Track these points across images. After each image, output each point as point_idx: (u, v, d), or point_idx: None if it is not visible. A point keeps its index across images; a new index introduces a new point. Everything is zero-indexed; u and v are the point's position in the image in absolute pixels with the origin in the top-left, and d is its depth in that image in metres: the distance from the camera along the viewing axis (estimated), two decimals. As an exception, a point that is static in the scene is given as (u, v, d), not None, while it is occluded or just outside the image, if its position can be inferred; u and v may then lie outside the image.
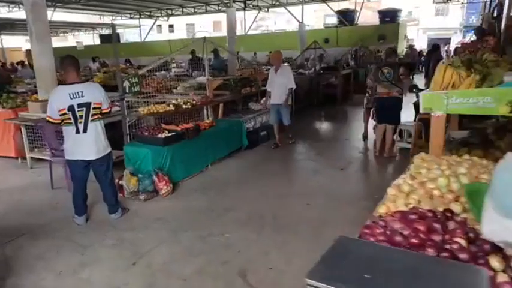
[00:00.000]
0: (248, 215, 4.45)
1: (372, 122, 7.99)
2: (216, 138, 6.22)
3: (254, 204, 4.77)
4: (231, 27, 11.34)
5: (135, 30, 28.94)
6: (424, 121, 6.16)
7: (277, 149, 7.15)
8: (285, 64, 8.52)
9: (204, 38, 6.75)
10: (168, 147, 5.29)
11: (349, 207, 4.57)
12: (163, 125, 5.72)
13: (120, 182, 5.02)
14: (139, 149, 5.25)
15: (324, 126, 9.47)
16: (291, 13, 18.46)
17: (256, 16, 23.11)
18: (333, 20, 26.56)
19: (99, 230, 4.24)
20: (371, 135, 7.71)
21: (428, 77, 11.05)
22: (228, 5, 11.50)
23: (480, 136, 3.51)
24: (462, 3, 22.83)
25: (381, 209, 1.81)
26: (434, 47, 12.56)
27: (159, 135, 5.31)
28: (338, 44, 20.17)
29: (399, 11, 20.54)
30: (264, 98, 7.46)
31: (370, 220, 1.77)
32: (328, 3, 21.22)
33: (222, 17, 36.13)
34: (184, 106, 6.14)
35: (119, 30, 28.87)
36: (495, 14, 7.29)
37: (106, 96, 4.22)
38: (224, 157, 6.51)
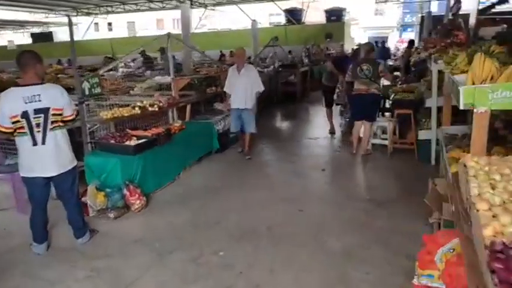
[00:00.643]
0: (239, 228, 3.98)
1: (338, 119, 7.88)
2: (187, 143, 5.64)
3: (242, 214, 4.30)
4: (186, 24, 10.69)
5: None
6: (399, 117, 6.10)
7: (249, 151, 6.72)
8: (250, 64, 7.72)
9: (168, 34, 6.11)
10: (140, 156, 4.64)
11: (343, 211, 4.26)
12: (129, 131, 5.03)
13: (84, 199, 4.29)
14: (106, 160, 4.54)
15: (289, 125, 9.17)
16: (243, 11, 18.04)
17: (203, 14, 22.40)
18: (279, 19, 26.62)
19: (67, 260, 3.53)
20: (338, 132, 7.59)
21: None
22: (182, 0, 10.81)
23: (489, 132, 3.34)
24: (399, 1, 23.89)
25: (488, 231, 1.45)
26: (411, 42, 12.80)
27: (128, 143, 4.64)
28: (287, 43, 20.19)
29: (344, 10, 20.96)
30: (224, 102, 6.52)
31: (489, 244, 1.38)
32: (276, 2, 21.11)
33: (165, 15, 34.98)
34: (150, 109, 5.48)
35: (52, 29, 26.61)
36: (454, 11, 7.47)
37: (70, 101, 3.52)
38: (195, 162, 5.95)
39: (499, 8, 7.64)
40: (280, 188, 5.00)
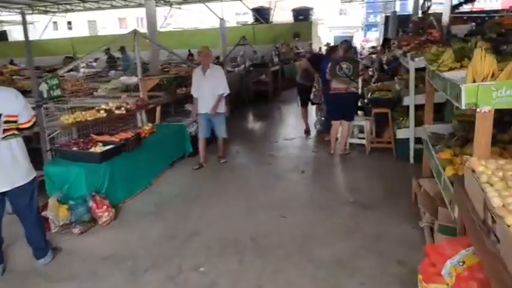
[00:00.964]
0: (220, 240, 3.68)
1: (313, 118, 7.73)
2: (159, 147, 5.27)
3: (222, 224, 4.00)
4: (152, 22, 10.20)
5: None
6: (376, 116, 6.00)
7: (225, 153, 6.42)
8: (216, 64, 6.94)
9: (135, 32, 5.68)
10: (107, 164, 4.23)
11: (329, 216, 4.06)
12: (94, 137, 4.60)
13: (44, 213, 3.85)
14: (68, 169, 4.10)
15: (262, 125, 8.92)
16: (210, 9, 17.62)
17: (168, 12, 21.78)
18: (246, 18, 26.37)
19: (27, 284, 3.11)
20: (313, 131, 7.44)
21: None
22: (146, -3, 10.31)
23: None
24: (363, 1, 24.29)
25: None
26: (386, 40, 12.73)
27: (94, 149, 4.22)
28: (256, 42, 20.02)
29: (311, 9, 21.01)
30: (192, 107, 5.83)
31: None
32: (243, 1, 20.86)
33: (128, 13, 33.82)
34: (117, 112, 5.06)
35: (5, 28, 25.06)
36: (424, 8, 7.51)
37: (27, 106, 3.10)
38: (168, 168, 5.59)
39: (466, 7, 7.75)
40: (260, 193, 4.74)
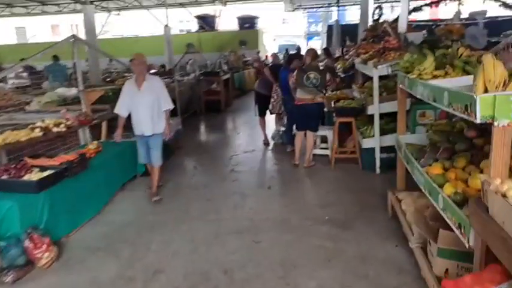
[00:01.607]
0: (188, 277, 3.16)
1: (271, 128, 7.40)
2: (107, 169, 4.61)
3: (188, 256, 3.48)
4: (90, 28, 9.31)
5: None
6: (341, 125, 5.80)
7: (181, 171, 5.86)
8: (154, 75, 5.79)
9: (74, 37, 4.95)
10: (45, 193, 3.53)
11: (306, 238, 3.70)
12: (29, 161, 3.86)
13: (-35, 259, 3.09)
14: (-4, 203, 3.35)
15: (219, 137, 8.40)
16: (155, 16, 16.78)
17: (107, 18, 20.52)
18: (189, 26, 25.71)
19: None
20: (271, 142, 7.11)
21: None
22: (83, 0, 9.40)
23: (463, 143, 3.05)
24: (306, 11, 24.74)
25: None
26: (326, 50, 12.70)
27: (29, 177, 3.51)
28: (202, 50, 19.55)
29: (257, 18, 20.97)
30: (117, 131, 4.61)
31: None
32: (187, 8, 20.29)
33: (61, 20, 31.60)
34: (56, 129, 4.34)
35: None
36: (375, 17, 7.54)
37: None
38: (119, 191, 4.93)
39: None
40: (227, 215, 4.27)
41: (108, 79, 10.08)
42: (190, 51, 10.14)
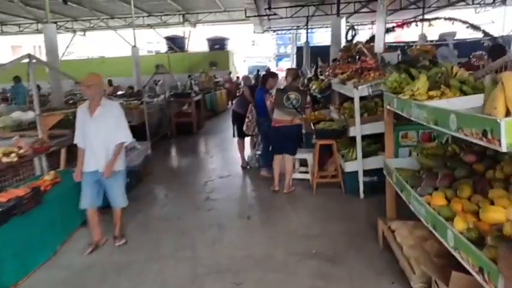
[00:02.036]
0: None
1: (248, 150, 7.04)
2: (66, 202, 4.06)
3: (161, 304, 3.00)
4: (52, 48, 8.72)
5: None
6: (321, 148, 5.52)
7: (151, 200, 5.35)
8: (112, 101, 4.63)
9: (29, 56, 4.43)
10: (-12, 237, 2.98)
11: (293, 277, 3.31)
12: (-31, 197, 3.29)
13: None
14: None
15: (192, 161, 7.89)
16: (122, 37, 16.27)
17: (72, 39, 19.82)
18: (158, 47, 25.29)
19: None
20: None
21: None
22: (45, 20, 8.81)
23: (463, 168, 2.80)
24: (276, 33, 24.99)
25: None
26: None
27: (-33, 220, 2.94)
28: (171, 71, 19.20)
29: (227, 39, 20.90)
30: (77, 168, 3.87)
31: None
32: (156, 29, 19.97)
33: (22, 41, 30.35)
34: (6, 160, 3.78)
35: None
36: (349, 38, 7.47)
37: None
38: (80, 227, 4.36)
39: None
40: (204, 252, 3.82)
41: (71, 101, 9.44)
42: (159, 71, 9.70)
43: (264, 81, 6.00)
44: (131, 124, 5.05)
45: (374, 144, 5.18)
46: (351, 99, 5.13)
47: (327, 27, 23.88)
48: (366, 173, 5.02)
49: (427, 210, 2.58)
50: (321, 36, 24.59)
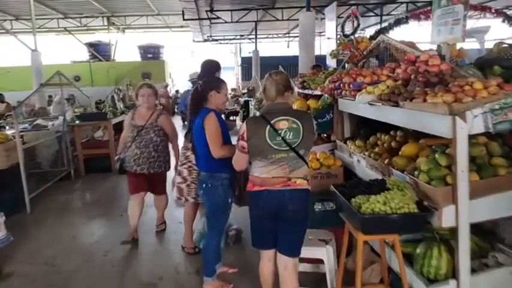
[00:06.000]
0: None
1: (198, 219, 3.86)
2: None
3: None
4: None
5: None
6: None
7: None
8: None
9: None
10: None
11: None
12: None
13: None
14: None
15: (102, 235, 4.50)
16: (20, 41, 12.14)
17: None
18: (83, 56, 21.10)
19: None
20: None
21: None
22: None
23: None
24: (219, 42, 22.03)
25: None
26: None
27: None
28: (93, 83, 15.38)
29: (161, 47, 17.48)
30: None
31: None
32: (75, 35, 16.00)
33: None
34: None
35: None
36: (349, 30, 4.81)
37: None
38: None
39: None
40: None
41: None
42: (51, 82, 6.04)
43: (202, 99, 2.88)
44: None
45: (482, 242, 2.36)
46: (382, 129, 2.27)
47: (273, 37, 21.53)
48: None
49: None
50: (265, 48, 22.14)
